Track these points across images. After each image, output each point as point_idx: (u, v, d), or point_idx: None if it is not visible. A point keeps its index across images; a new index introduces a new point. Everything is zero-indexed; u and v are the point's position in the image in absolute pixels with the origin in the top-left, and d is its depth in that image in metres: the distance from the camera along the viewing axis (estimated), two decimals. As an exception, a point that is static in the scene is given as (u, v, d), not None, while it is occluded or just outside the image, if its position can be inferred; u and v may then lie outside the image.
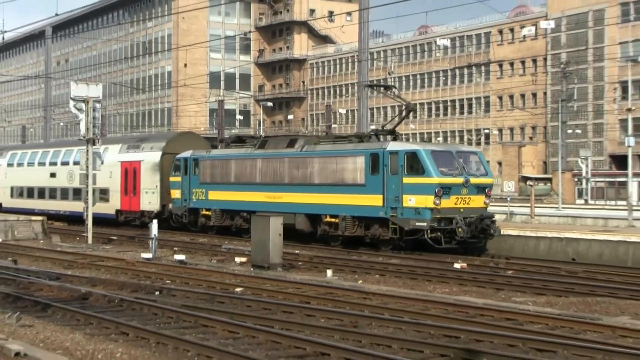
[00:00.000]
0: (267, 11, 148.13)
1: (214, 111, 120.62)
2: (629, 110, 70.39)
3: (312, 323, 18.81)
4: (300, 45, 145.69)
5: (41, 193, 58.64)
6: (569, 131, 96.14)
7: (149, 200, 48.75)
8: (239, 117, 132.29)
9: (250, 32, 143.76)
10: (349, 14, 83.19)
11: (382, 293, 23.76)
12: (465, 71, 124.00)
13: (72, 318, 19.21)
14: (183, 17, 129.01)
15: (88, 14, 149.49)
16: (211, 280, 27.10)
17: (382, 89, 44.07)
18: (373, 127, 77.05)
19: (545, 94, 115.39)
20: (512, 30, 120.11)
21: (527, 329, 18.20)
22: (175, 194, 45.73)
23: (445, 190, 32.30)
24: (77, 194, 53.08)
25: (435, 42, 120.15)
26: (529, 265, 31.19)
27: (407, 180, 32.97)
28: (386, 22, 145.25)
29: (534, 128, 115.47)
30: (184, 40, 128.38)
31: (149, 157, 49.72)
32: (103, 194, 51.65)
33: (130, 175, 50.45)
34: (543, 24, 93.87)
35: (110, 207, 51.52)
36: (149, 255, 33.91)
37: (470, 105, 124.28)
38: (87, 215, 41.73)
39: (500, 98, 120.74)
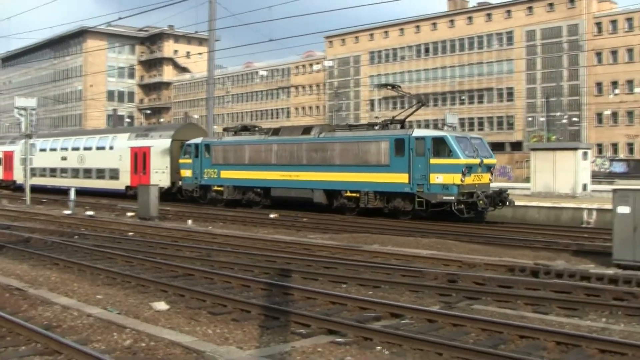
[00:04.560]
0: (146, 50, 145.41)
1: (110, 116, 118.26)
2: (376, 117, 72.09)
3: (180, 255, 18.60)
4: (168, 73, 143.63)
5: (53, 172, 51.02)
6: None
7: (159, 179, 40.70)
8: (127, 120, 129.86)
9: (134, 64, 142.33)
10: (200, 53, 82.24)
11: (225, 234, 23.60)
12: (275, 92, 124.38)
13: (20, 254, 18.34)
14: (90, 54, 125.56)
15: (26, 51, 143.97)
16: (112, 227, 26.30)
17: (390, 87, 34.16)
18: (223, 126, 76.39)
19: (324, 106, 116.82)
20: (304, 66, 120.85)
21: (318, 254, 18.40)
22: (186, 173, 38.26)
23: (468, 169, 26.97)
24: (87, 173, 47.51)
25: (257, 72, 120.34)
26: (319, 215, 31.23)
27: (434, 161, 27.14)
28: (225, 59, 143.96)
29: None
30: (90, 69, 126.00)
31: (159, 143, 41.95)
32: (114, 173, 44.92)
33: (140, 158, 42.77)
34: (325, 63, 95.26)
35: (121, 183, 44.18)
36: (69, 212, 32.81)
37: (278, 114, 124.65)
38: (26, 186, 39.95)
39: (297, 109, 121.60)
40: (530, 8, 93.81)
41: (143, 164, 42.73)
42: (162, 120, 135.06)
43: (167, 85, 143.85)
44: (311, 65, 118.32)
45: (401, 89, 32.92)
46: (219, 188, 36.50)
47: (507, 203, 27.80)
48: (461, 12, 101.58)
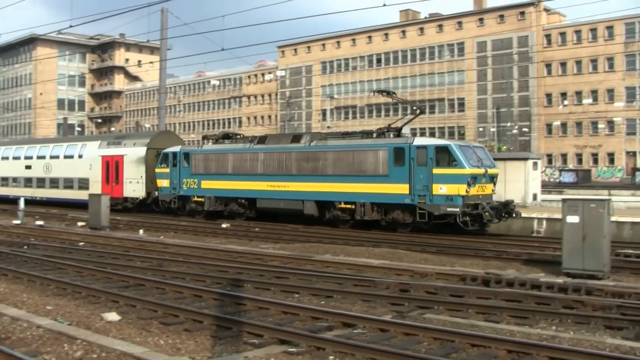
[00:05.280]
0: (97, 59, 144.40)
1: (60, 125, 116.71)
2: (328, 127, 72.37)
3: (132, 265, 18.41)
4: (119, 82, 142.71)
5: (15, 181, 47.59)
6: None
7: (133, 189, 38.71)
8: (77, 129, 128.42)
9: (85, 73, 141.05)
10: (151, 62, 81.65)
11: (176, 244, 23.39)
12: (227, 101, 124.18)
13: (-34, 265, 18.01)
14: (40, 61, 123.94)
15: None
16: (62, 237, 25.94)
17: (386, 93, 31.11)
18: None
19: (276, 116, 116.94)
20: (256, 75, 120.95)
21: (270, 264, 18.39)
22: (163, 183, 35.86)
23: (473, 179, 25.43)
24: (54, 182, 44.22)
25: (209, 82, 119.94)
26: (269, 224, 31.01)
27: (437, 171, 25.58)
28: (177, 68, 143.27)
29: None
30: (40, 77, 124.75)
31: (133, 151, 39.16)
32: (83, 183, 41.69)
33: (112, 167, 39.92)
34: (277, 72, 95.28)
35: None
36: (18, 222, 32.21)
37: (229, 123, 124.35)
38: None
39: (249, 118, 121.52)
40: (481, 19, 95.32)
41: (116, 174, 40.08)
42: (112, 129, 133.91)
43: (118, 94, 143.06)
44: (263, 74, 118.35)
45: (396, 96, 31.47)
46: (199, 199, 34.45)
47: (514, 215, 26.57)
48: (413, 23, 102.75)
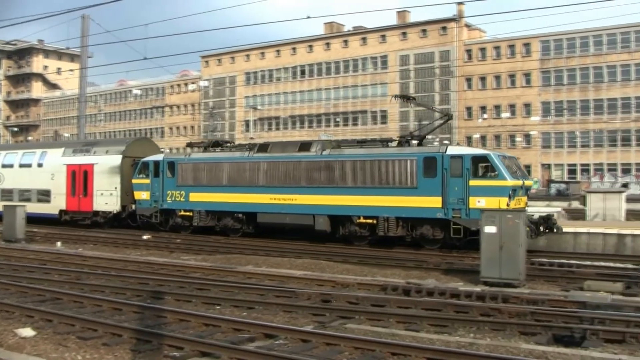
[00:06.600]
0: (13, 65, 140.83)
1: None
2: (251, 138, 72.12)
3: (49, 278, 18.03)
4: (37, 90, 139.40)
5: None
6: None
7: (106, 202, 35.12)
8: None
9: (1, 79, 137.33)
10: (71, 70, 79.88)
11: (95, 256, 22.98)
12: (149, 111, 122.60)
13: None
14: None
15: None
16: (-25, 249, 25.30)
17: (406, 99, 27.97)
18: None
19: (199, 126, 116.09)
20: (179, 85, 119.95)
21: (191, 276, 18.31)
22: (142, 195, 32.66)
23: (513, 192, 23.21)
24: (7, 194, 39.46)
25: (131, 91, 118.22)
26: (193, 236, 30.79)
27: (474, 182, 23.32)
28: (98, 77, 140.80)
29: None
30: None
31: (105, 160, 35.53)
32: (44, 195, 37.77)
33: (80, 177, 36.20)
34: (200, 82, 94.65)
35: (53, 207, 37.17)
36: None
37: (152, 133, 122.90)
38: None
39: (171, 128, 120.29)
40: (404, 33, 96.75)
41: (84, 185, 36.23)
42: (30, 138, 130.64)
43: (36, 101, 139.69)
44: (186, 84, 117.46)
45: (416, 101, 29.45)
46: (187, 213, 31.45)
47: (555, 230, 24.02)
48: (337, 36, 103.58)
